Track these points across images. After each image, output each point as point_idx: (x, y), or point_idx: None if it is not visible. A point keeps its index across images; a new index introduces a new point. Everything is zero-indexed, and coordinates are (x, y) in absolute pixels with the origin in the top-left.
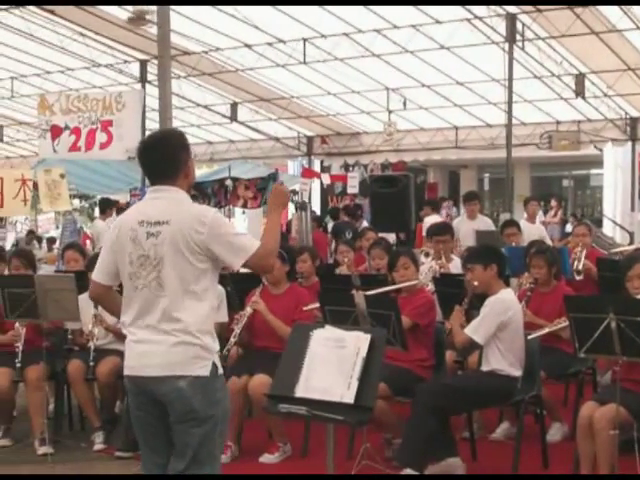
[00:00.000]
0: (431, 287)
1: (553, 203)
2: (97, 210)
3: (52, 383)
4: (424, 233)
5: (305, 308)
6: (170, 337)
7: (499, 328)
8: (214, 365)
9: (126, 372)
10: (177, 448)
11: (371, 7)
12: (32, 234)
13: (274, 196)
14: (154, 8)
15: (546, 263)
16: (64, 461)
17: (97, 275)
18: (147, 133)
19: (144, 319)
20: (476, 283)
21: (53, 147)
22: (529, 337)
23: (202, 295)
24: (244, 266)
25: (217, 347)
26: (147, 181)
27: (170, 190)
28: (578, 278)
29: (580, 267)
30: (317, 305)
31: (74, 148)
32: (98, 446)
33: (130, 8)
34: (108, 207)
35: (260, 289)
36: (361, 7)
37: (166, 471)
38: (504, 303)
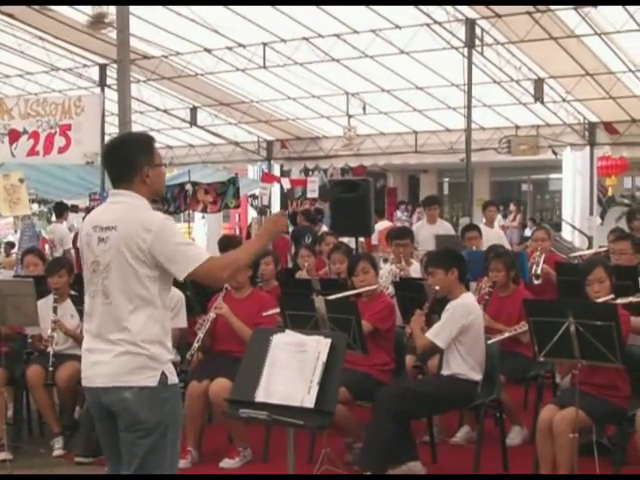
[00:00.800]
0: (391, 290)
1: (512, 207)
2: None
3: (11, 388)
4: (374, 241)
5: (265, 314)
6: (116, 347)
7: (460, 332)
8: (163, 375)
9: (82, 382)
10: (125, 457)
11: (331, 12)
12: None
13: (272, 223)
14: (113, 10)
15: (504, 267)
16: (23, 467)
17: None
18: (107, 137)
19: (94, 327)
20: (437, 287)
21: (11, 151)
22: (489, 342)
23: (149, 303)
24: (190, 276)
25: (169, 356)
26: (107, 185)
27: (126, 195)
28: (536, 282)
29: (539, 271)
30: (277, 311)
31: (32, 152)
32: (57, 452)
33: (90, 12)
34: (64, 210)
35: (223, 293)
36: (320, 12)
37: None
38: (465, 307)
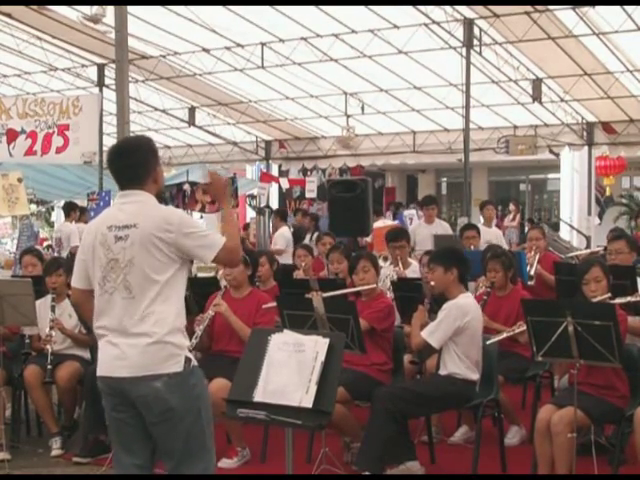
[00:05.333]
0: (390, 295)
1: (512, 207)
2: (54, 214)
3: (9, 388)
4: (367, 239)
5: (264, 306)
6: (143, 338)
7: (455, 333)
8: (187, 359)
9: (99, 373)
10: (161, 449)
11: (329, 12)
12: None
13: (215, 188)
14: (110, 10)
15: (502, 267)
16: (22, 467)
17: (75, 282)
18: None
19: (115, 322)
20: (433, 283)
21: (9, 151)
22: (487, 342)
23: (170, 295)
24: (214, 261)
25: (187, 343)
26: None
27: (138, 194)
28: (530, 283)
29: (532, 272)
30: (275, 304)
31: (30, 152)
32: (56, 452)
33: (87, 12)
34: (72, 210)
35: (222, 293)
36: (319, 12)
37: (143, 472)
38: (461, 308)
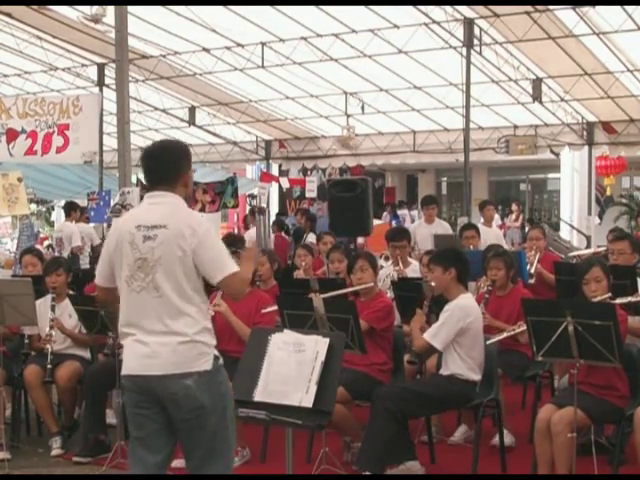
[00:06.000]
0: (390, 295)
1: (514, 207)
2: (54, 214)
3: (9, 388)
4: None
5: (263, 311)
6: (174, 337)
7: (458, 334)
8: (215, 357)
9: (126, 372)
10: (186, 446)
11: (329, 12)
12: None
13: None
14: (110, 9)
15: (504, 266)
16: (22, 467)
17: (100, 280)
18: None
19: (144, 320)
20: (433, 283)
21: (9, 151)
22: (488, 342)
23: (195, 295)
24: (219, 284)
25: (214, 341)
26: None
27: (168, 196)
28: (530, 282)
29: (532, 271)
30: (275, 308)
31: (30, 152)
32: (56, 451)
33: (87, 11)
34: (73, 210)
35: (222, 292)
36: (319, 11)
37: (160, 469)
38: (464, 309)
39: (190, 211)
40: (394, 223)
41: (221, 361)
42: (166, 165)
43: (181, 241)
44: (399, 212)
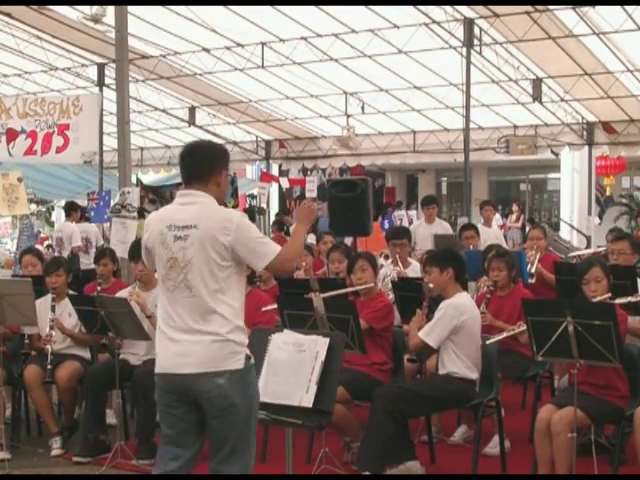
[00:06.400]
0: (391, 296)
1: (515, 208)
2: (54, 214)
3: (9, 388)
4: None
5: (264, 309)
6: (207, 336)
7: (452, 332)
8: (247, 357)
9: (159, 370)
10: (215, 442)
11: (329, 12)
12: None
13: (299, 209)
14: (110, 9)
15: (506, 266)
16: (22, 466)
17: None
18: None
19: (177, 319)
20: (431, 285)
21: (8, 150)
22: (487, 342)
23: (229, 294)
24: (267, 268)
25: (247, 340)
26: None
27: (199, 195)
28: (530, 281)
29: (532, 270)
30: (275, 306)
31: (30, 152)
32: (56, 451)
33: (88, 11)
34: (73, 210)
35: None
36: (319, 11)
37: (189, 465)
38: (457, 308)
39: (220, 209)
40: (387, 223)
41: (252, 360)
42: (200, 164)
43: (213, 241)
44: (396, 213)
